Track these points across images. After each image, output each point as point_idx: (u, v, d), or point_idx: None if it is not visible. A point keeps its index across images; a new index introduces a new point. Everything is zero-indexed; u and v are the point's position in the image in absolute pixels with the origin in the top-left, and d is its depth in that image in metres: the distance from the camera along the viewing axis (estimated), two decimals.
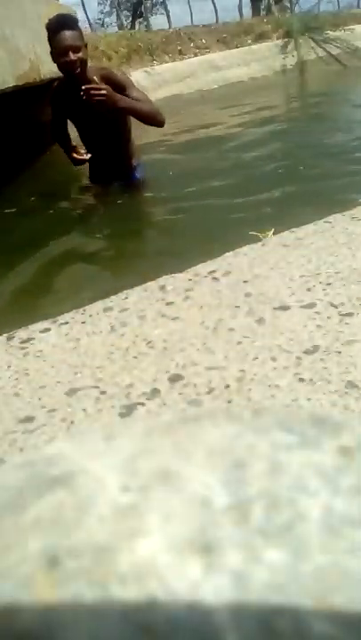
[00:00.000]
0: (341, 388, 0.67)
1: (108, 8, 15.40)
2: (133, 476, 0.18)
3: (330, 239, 1.09)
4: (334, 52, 8.45)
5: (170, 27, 9.45)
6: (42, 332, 0.90)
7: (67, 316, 0.94)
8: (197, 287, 0.97)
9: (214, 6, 10.57)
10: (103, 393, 0.73)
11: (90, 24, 10.37)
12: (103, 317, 0.92)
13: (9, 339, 0.90)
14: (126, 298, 0.97)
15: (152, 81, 6.36)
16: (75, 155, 2.75)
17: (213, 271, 1.02)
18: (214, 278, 0.99)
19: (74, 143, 2.81)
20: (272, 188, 2.71)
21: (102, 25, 13.83)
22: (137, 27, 12.40)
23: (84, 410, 0.70)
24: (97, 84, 2.41)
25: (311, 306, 0.86)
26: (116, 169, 2.83)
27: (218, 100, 6.31)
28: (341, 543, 0.15)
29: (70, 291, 1.89)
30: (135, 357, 0.79)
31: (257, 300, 0.90)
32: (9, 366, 0.82)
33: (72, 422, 0.68)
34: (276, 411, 0.30)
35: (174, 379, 0.73)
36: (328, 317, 0.82)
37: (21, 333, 0.91)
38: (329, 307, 0.85)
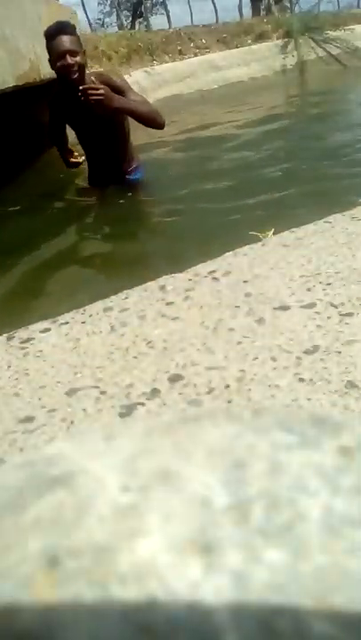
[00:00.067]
0: (341, 388, 0.67)
1: (108, 8, 15.43)
2: (133, 475, 0.18)
3: (330, 239, 1.09)
4: (334, 51, 8.46)
5: (170, 27, 9.47)
6: (42, 332, 0.90)
7: (67, 316, 0.94)
8: (197, 287, 0.97)
9: (214, 6, 10.58)
10: (103, 393, 0.73)
11: (90, 24, 10.38)
12: (103, 317, 0.92)
13: (9, 339, 0.90)
14: (126, 298, 0.97)
15: (152, 81, 6.36)
16: (70, 158, 2.77)
17: (213, 271, 1.02)
18: (214, 278, 0.99)
19: (70, 147, 2.83)
20: (272, 187, 2.71)
21: (102, 25, 13.84)
22: (137, 27, 12.41)
23: (84, 410, 0.70)
24: (95, 84, 2.41)
25: (311, 306, 0.86)
26: (115, 172, 2.84)
27: (218, 100, 6.31)
28: (341, 543, 0.15)
29: (70, 291, 1.89)
30: (135, 357, 0.79)
31: (257, 300, 0.90)
32: (9, 366, 0.82)
33: (72, 422, 0.68)
34: (276, 411, 0.30)
35: (174, 379, 0.73)
36: (328, 317, 0.82)
37: (21, 333, 0.91)
38: (329, 307, 0.85)
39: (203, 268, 1.04)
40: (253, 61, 7.81)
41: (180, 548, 0.15)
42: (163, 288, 0.98)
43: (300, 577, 0.15)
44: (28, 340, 0.89)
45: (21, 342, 0.88)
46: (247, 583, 0.15)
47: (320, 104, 5.24)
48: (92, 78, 2.49)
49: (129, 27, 12.35)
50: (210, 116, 5.24)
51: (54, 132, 2.82)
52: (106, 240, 2.47)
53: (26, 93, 3.37)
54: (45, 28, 2.50)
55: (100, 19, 14.86)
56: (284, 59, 8.12)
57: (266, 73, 7.73)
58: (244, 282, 0.96)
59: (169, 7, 10.76)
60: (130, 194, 2.82)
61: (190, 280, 1.00)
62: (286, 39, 8.42)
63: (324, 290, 0.90)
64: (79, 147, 2.89)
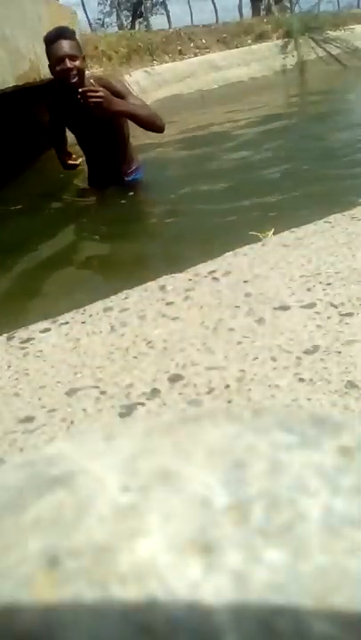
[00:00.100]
0: (341, 388, 0.67)
1: (108, 8, 15.44)
2: (133, 475, 0.18)
3: (330, 239, 1.09)
4: (334, 51, 8.47)
5: (170, 27, 9.47)
6: (42, 332, 0.90)
7: (67, 316, 0.94)
8: (197, 287, 0.97)
9: (214, 6, 10.58)
10: (103, 393, 0.73)
11: (90, 24, 10.38)
12: (103, 317, 0.92)
13: (9, 339, 0.90)
14: (126, 298, 0.97)
15: (152, 81, 6.37)
16: (68, 160, 2.78)
17: (213, 271, 1.02)
18: (214, 278, 0.99)
19: (69, 148, 2.83)
20: (272, 188, 2.71)
21: (102, 25, 13.86)
22: (137, 27, 12.42)
23: (84, 410, 0.70)
24: (94, 87, 2.41)
25: (311, 306, 0.86)
26: (114, 174, 2.84)
27: (218, 99, 6.31)
28: (341, 543, 0.15)
29: (69, 291, 1.89)
30: (135, 357, 0.79)
31: (257, 299, 0.90)
32: (9, 366, 0.82)
33: (72, 422, 0.68)
34: (276, 411, 0.30)
35: (174, 379, 0.73)
36: (328, 317, 0.82)
37: (21, 333, 0.91)
38: (329, 307, 0.85)
39: (203, 267, 1.04)
40: (253, 61, 7.82)
41: (180, 547, 0.15)
42: (163, 288, 0.98)
43: (301, 577, 0.15)
44: (28, 340, 0.89)
45: (21, 342, 0.88)
46: (247, 583, 0.14)
47: (320, 104, 5.25)
48: (92, 81, 2.49)
49: (129, 27, 12.36)
50: (210, 115, 5.25)
51: (53, 134, 2.82)
52: (106, 240, 2.47)
53: (26, 93, 3.38)
54: (45, 34, 2.50)
55: (100, 19, 14.89)
56: (284, 59, 8.13)
57: (266, 73, 7.74)
58: (245, 282, 0.96)
59: (169, 7, 10.80)
60: (130, 194, 2.82)
61: (190, 280, 1.00)
62: (286, 39, 8.43)
63: (324, 290, 0.90)
64: (77, 148, 2.90)
